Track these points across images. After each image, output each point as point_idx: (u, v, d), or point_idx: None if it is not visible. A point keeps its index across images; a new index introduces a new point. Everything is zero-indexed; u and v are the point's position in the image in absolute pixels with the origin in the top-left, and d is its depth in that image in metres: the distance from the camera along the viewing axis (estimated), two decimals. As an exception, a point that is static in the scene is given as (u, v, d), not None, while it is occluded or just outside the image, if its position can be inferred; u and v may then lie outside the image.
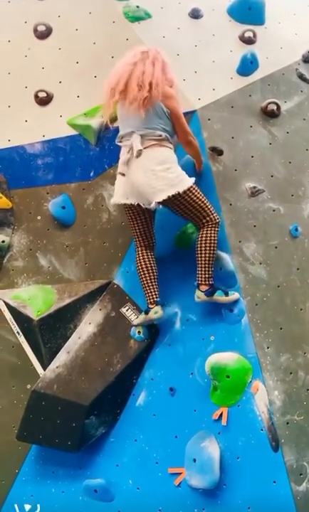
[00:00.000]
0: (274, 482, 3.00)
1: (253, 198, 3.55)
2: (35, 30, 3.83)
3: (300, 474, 3.05)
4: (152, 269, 3.35)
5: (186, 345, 3.35)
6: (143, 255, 3.38)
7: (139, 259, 3.38)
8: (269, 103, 3.72)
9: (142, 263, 3.37)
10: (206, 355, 3.23)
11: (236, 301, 3.26)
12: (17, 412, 3.51)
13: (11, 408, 3.61)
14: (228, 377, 3.14)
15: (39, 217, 3.80)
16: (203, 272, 3.22)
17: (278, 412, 3.10)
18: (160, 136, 3.18)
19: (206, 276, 3.22)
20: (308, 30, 4.08)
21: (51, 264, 3.77)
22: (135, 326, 3.46)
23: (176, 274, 3.50)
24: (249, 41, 3.87)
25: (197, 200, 3.21)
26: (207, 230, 3.24)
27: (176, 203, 3.18)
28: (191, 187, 3.18)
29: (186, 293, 3.39)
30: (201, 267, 3.23)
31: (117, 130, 3.40)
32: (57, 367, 3.50)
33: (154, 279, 3.35)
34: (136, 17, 3.75)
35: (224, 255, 3.35)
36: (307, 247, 3.54)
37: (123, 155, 3.24)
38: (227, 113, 3.65)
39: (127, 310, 3.55)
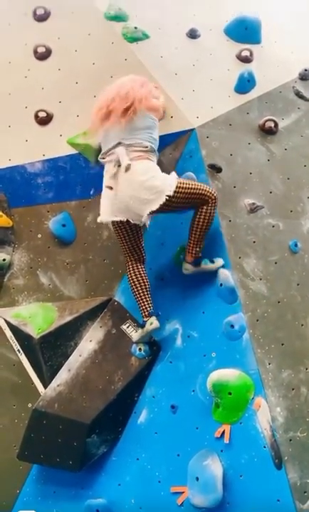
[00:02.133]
0: (278, 500, 2.95)
1: (253, 214, 3.56)
2: (35, 52, 3.90)
3: (304, 492, 3.00)
4: (143, 282, 3.38)
5: (188, 362, 3.33)
6: (134, 269, 3.41)
7: (131, 273, 3.40)
8: (267, 120, 3.76)
9: (133, 277, 3.39)
10: (207, 371, 3.20)
11: (223, 266, 3.33)
12: (18, 431, 3.48)
13: (12, 427, 3.59)
14: (230, 394, 3.11)
15: (40, 236, 3.82)
16: (195, 246, 3.30)
17: (281, 428, 3.07)
18: (146, 147, 3.21)
19: (198, 249, 3.30)
20: (304, 49, 4.14)
21: (52, 281, 3.78)
22: (136, 342, 3.44)
23: (177, 290, 3.50)
24: (246, 60, 3.93)
25: (190, 190, 3.21)
26: (208, 207, 3.27)
27: (172, 204, 3.18)
28: (178, 182, 3.20)
29: (186, 309, 3.40)
30: (195, 241, 3.29)
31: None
32: (58, 385, 3.48)
33: (147, 291, 3.38)
34: (134, 38, 3.81)
35: (225, 271, 3.35)
36: (307, 262, 3.54)
37: (108, 170, 3.24)
38: (225, 130, 3.68)
39: (127, 327, 3.55)
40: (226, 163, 3.61)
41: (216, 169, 3.57)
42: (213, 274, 3.35)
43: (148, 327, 3.32)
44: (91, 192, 3.78)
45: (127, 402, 3.44)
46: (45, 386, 3.54)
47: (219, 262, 3.35)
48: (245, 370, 3.16)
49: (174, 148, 3.65)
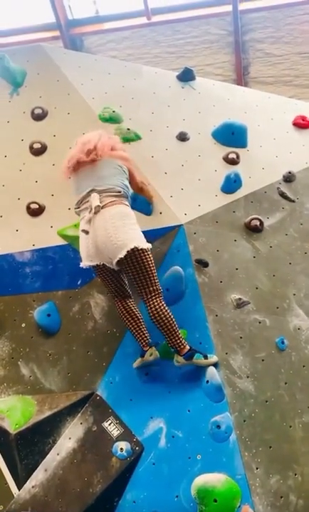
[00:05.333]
0: None
1: (239, 310, 3.58)
2: (31, 148, 4.06)
3: None
4: (135, 315, 3.40)
5: (172, 465, 3.17)
6: (123, 305, 3.42)
7: (120, 309, 3.42)
8: (252, 219, 3.90)
9: (124, 311, 3.40)
10: (192, 475, 3.05)
11: (215, 365, 3.28)
12: (-14, 539, 3.23)
13: (-20, 533, 3.32)
14: (215, 501, 2.94)
15: (24, 325, 3.77)
16: (174, 340, 3.25)
17: (269, 542, 2.89)
18: (119, 192, 3.26)
19: (179, 342, 3.25)
20: (287, 153, 4.38)
21: (33, 373, 3.68)
22: (135, 368, 3.42)
23: (162, 386, 3.41)
24: (233, 162, 4.13)
25: (148, 265, 3.20)
26: (155, 302, 3.24)
27: (131, 261, 3.16)
28: (148, 250, 3.20)
29: (171, 407, 3.30)
30: (170, 337, 3.25)
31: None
32: (33, 486, 3.28)
33: (140, 322, 3.38)
34: (127, 138, 4.01)
35: (211, 368, 3.29)
36: (294, 360, 3.51)
37: (84, 217, 3.24)
38: (212, 227, 3.79)
39: (109, 424, 3.40)
40: (212, 258, 3.69)
41: (202, 264, 3.63)
42: (200, 370, 3.29)
43: (148, 357, 3.31)
44: (78, 282, 3.79)
45: (106, 508, 3.22)
46: (20, 487, 3.33)
47: (213, 359, 3.28)
48: (231, 474, 3.01)
49: (162, 242, 3.72)
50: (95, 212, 3.13)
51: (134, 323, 3.39)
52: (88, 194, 3.25)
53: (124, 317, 3.41)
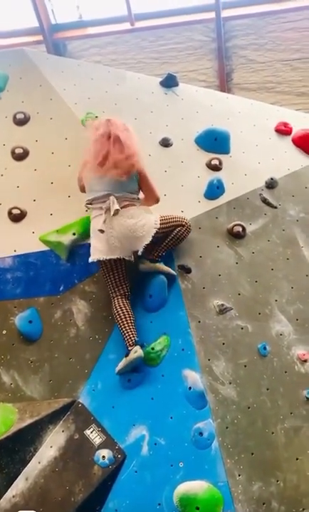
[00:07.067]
0: None
1: (222, 316, 3.58)
2: (13, 152, 4.02)
3: None
4: (128, 314, 3.44)
5: (154, 472, 3.15)
6: (119, 303, 3.48)
7: (116, 307, 3.47)
8: (235, 225, 3.91)
9: (119, 309, 3.45)
10: (174, 483, 3.04)
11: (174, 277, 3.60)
12: None
13: None
14: (197, 508, 2.93)
15: (4, 332, 3.72)
16: (161, 252, 3.57)
17: None
18: (134, 198, 3.52)
19: (161, 255, 3.58)
20: (270, 160, 4.40)
21: (14, 380, 3.63)
22: (118, 373, 3.40)
23: (144, 393, 3.39)
24: (215, 168, 4.14)
25: (169, 220, 3.56)
26: (183, 228, 3.60)
27: (159, 232, 3.49)
28: (160, 217, 3.53)
29: (154, 414, 3.28)
30: (162, 249, 3.58)
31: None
32: (13, 496, 3.23)
33: (131, 322, 3.42)
34: (110, 143, 3.98)
35: (194, 374, 3.29)
36: (276, 366, 3.52)
37: (97, 216, 3.46)
38: (195, 233, 3.79)
39: (91, 432, 3.37)
40: (195, 264, 3.70)
41: (185, 270, 3.63)
42: (182, 377, 3.28)
43: (132, 355, 3.29)
44: (60, 288, 3.76)
45: (88, 517, 3.19)
46: (0, 496, 3.27)
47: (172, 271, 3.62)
48: (214, 481, 3.01)
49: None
50: (114, 214, 3.37)
51: (125, 321, 3.41)
52: (104, 196, 3.44)
53: (118, 314, 3.44)
